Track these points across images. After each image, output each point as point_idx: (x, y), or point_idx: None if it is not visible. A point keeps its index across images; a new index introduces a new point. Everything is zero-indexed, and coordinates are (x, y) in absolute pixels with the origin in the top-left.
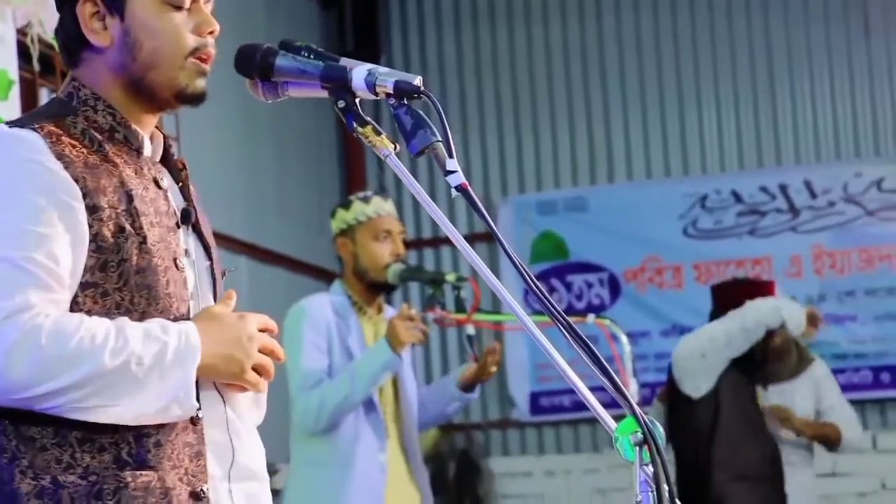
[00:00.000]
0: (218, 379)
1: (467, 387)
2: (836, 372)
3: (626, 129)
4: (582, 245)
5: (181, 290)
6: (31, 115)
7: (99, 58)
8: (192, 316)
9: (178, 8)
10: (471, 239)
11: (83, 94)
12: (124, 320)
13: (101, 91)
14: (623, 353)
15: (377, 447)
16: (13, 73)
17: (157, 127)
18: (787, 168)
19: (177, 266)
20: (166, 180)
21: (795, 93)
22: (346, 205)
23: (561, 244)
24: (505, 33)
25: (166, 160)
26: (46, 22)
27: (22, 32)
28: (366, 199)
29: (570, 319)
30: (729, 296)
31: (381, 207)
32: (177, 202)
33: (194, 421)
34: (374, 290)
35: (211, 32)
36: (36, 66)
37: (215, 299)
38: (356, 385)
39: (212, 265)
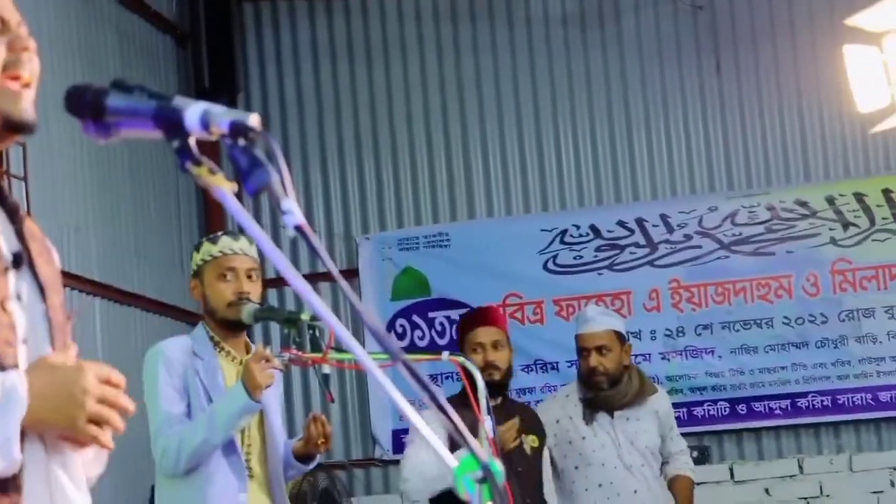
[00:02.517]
0: (49, 431)
1: (302, 458)
2: (693, 404)
3: (486, 165)
4: (443, 281)
5: (8, 334)
6: None
7: None
8: (25, 361)
9: None
10: (324, 277)
11: None
12: None
13: None
14: (478, 389)
15: (237, 487)
16: None
17: None
18: (644, 203)
19: (3, 309)
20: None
21: (651, 129)
22: (197, 247)
23: (423, 280)
24: (364, 70)
25: (3, 203)
26: None
27: None
28: (214, 239)
29: (425, 357)
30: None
31: (227, 246)
32: (10, 245)
33: (15, 476)
34: (229, 328)
35: (25, 49)
36: None
37: (53, 345)
38: (214, 429)
39: (48, 310)
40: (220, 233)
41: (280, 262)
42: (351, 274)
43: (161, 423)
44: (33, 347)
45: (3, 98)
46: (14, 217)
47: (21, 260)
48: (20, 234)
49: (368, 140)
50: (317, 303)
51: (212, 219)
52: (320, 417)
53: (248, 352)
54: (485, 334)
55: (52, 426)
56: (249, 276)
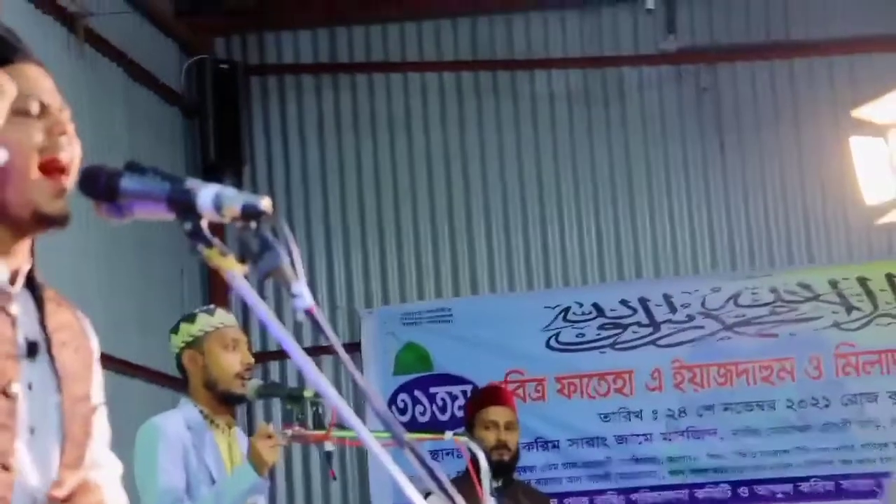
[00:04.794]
0: None
1: None
2: (695, 486)
3: (489, 240)
4: (446, 357)
5: (6, 419)
6: None
7: None
8: (29, 451)
9: (26, 114)
10: (327, 350)
11: None
12: None
13: None
14: (481, 470)
15: None
16: None
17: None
18: (647, 281)
19: (6, 394)
20: (19, 308)
21: (654, 208)
22: (189, 318)
23: (425, 356)
24: (369, 144)
25: (32, 288)
26: None
27: None
28: (210, 311)
29: (429, 436)
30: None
31: (226, 318)
32: (30, 333)
33: None
34: (225, 401)
35: (62, 133)
36: None
37: (65, 437)
38: None
39: (62, 402)
40: (212, 306)
41: (285, 340)
42: (353, 347)
43: (161, 500)
44: (41, 438)
45: (36, 190)
46: (40, 304)
47: (36, 349)
48: (43, 322)
49: (372, 213)
50: (321, 381)
51: (215, 293)
52: None
53: (230, 427)
54: (498, 413)
55: None
56: (248, 349)
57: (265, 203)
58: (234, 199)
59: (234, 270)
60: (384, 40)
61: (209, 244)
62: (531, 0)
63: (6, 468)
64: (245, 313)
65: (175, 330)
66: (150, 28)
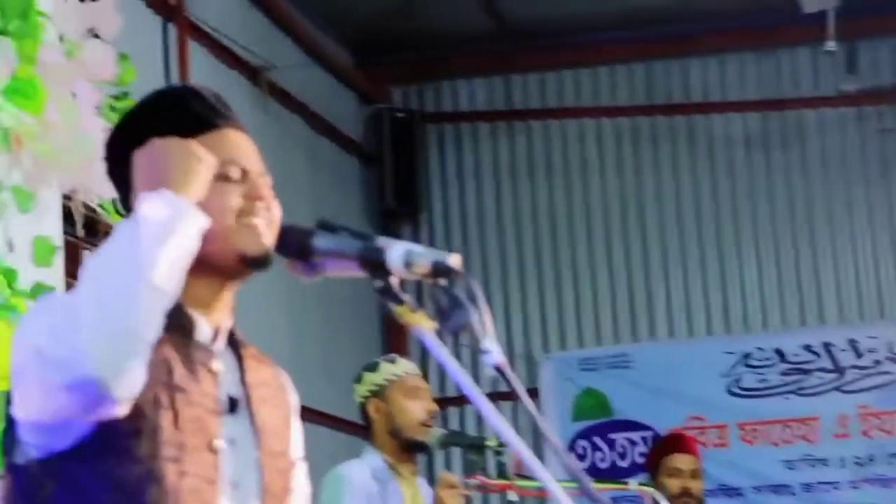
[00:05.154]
0: None
1: None
2: None
3: (667, 285)
4: (625, 402)
5: (211, 473)
6: None
7: None
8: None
9: (227, 179)
10: (509, 397)
11: None
12: None
13: None
14: None
15: None
16: (57, 238)
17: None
18: (831, 326)
19: (210, 449)
20: (221, 365)
21: (837, 251)
22: (371, 367)
23: (604, 401)
24: (545, 190)
25: (234, 346)
26: (91, 188)
27: (67, 198)
28: (392, 360)
29: (612, 486)
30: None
31: (408, 367)
32: (230, 389)
33: None
34: (409, 449)
35: (259, 198)
36: (80, 230)
37: (265, 491)
38: None
39: (261, 457)
40: (393, 355)
41: (472, 392)
42: (531, 393)
43: None
44: (243, 493)
45: (240, 235)
46: (240, 361)
47: (237, 405)
48: (243, 379)
49: (549, 260)
50: (507, 431)
51: (394, 342)
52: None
53: (413, 475)
54: (684, 461)
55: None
56: (431, 397)
57: (455, 260)
58: (424, 256)
59: (425, 327)
60: (559, 86)
61: (400, 301)
62: (707, 43)
63: None
64: (424, 361)
65: (358, 380)
66: (330, 79)
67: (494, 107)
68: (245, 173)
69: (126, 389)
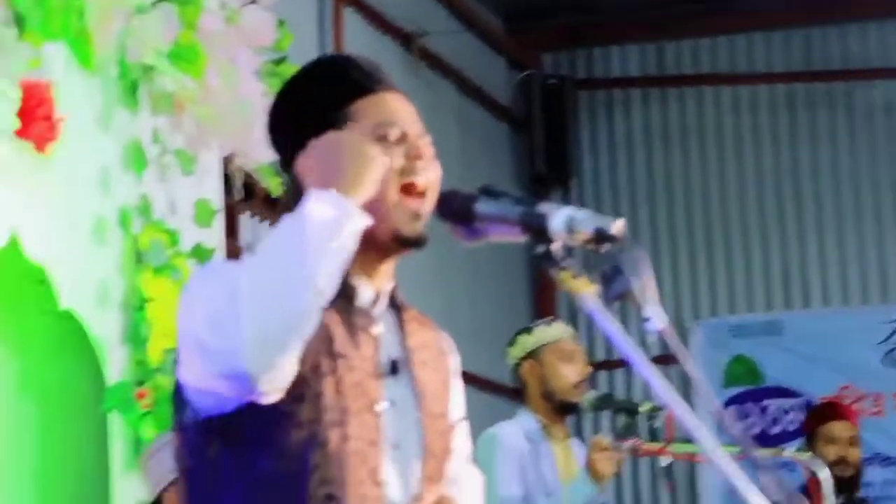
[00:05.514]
0: None
1: None
2: None
3: (822, 254)
4: (777, 370)
5: (373, 434)
6: None
7: None
8: (395, 467)
9: (386, 140)
10: (659, 361)
11: None
12: None
13: None
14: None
15: None
16: (216, 201)
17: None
18: None
19: (373, 412)
20: (381, 329)
21: None
22: (527, 330)
23: (754, 368)
24: (697, 158)
25: (395, 308)
26: (249, 151)
27: (226, 161)
28: (548, 323)
29: (767, 452)
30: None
31: (564, 331)
32: (391, 352)
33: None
34: (561, 411)
35: (419, 157)
36: (238, 193)
37: (426, 451)
38: None
39: (422, 418)
40: (550, 318)
41: (633, 356)
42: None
43: None
44: (404, 454)
45: (397, 212)
46: (401, 323)
47: (398, 367)
48: (404, 342)
49: (700, 226)
50: (670, 396)
51: (542, 304)
52: None
53: (567, 437)
54: (841, 429)
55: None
56: (585, 361)
57: (617, 226)
58: (586, 222)
59: (587, 293)
60: (713, 53)
61: (562, 267)
62: (867, 8)
63: (377, 483)
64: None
65: (513, 343)
66: (481, 45)
67: (647, 73)
68: (404, 135)
69: (274, 384)
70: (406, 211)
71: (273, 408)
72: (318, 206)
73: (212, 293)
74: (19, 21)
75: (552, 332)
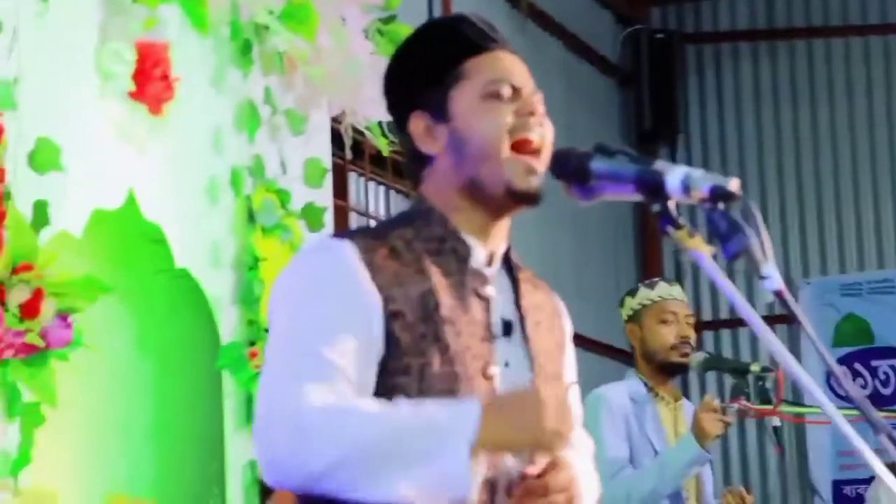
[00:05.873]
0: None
1: None
2: None
3: None
4: (888, 329)
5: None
6: (362, 230)
7: (435, 169)
8: None
9: (498, 97)
10: (770, 320)
11: (422, 208)
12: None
13: (439, 201)
14: None
15: None
16: (326, 160)
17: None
18: None
19: (485, 376)
20: (493, 290)
21: None
22: (632, 292)
23: (865, 328)
24: (807, 112)
25: (510, 269)
26: (358, 110)
27: (336, 121)
28: (651, 285)
29: (881, 414)
30: None
31: (665, 291)
32: (504, 313)
33: None
34: (663, 372)
35: (531, 114)
36: (348, 153)
37: None
38: (664, 478)
39: (535, 381)
40: (655, 279)
41: (749, 315)
42: (790, 320)
43: (605, 470)
44: None
45: (509, 167)
46: (515, 285)
47: (511, 328)
48: (518, 303)
49: (810, 183)
50: (785, 355)
51: (649, 264)
52: (738, 493)
53: (677, 399)
54: None
55: (512, 444)
56: (688, 322)
57: (734, 185)
58: (702, 180)
59: (703, 251)
60: (824, 5)
61: (678, 226)
62: None
63: None
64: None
65: (621, 304)
66: (587, 0)
67: (756, 26)
68: (516, 91)
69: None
70: (520, 165)
71: (381, 380)
72: (456, 455)
73: (318, 409)
74: None
75: (652, 293)
